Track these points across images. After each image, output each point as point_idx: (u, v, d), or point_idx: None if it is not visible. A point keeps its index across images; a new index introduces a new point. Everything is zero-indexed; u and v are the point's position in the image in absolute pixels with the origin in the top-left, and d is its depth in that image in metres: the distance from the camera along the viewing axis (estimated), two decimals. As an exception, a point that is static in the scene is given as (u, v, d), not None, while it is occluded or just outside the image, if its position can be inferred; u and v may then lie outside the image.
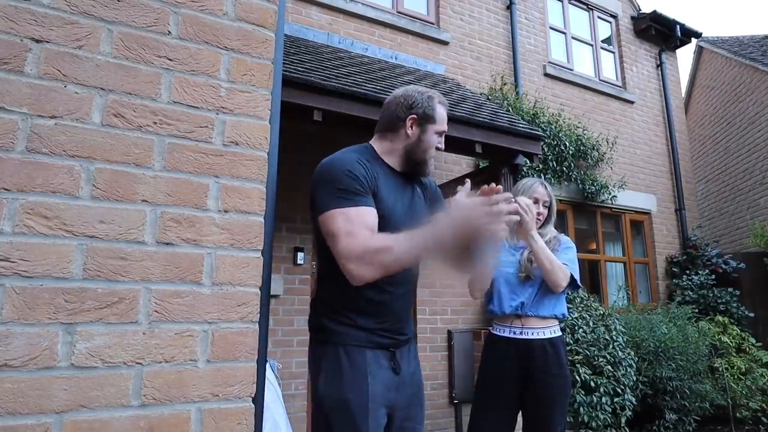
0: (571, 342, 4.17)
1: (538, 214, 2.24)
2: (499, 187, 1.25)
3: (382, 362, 1.43)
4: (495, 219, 1.12)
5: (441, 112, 1.57)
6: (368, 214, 1.35)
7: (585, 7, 7.05)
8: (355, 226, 1.30)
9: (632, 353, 4.41)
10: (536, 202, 2.25)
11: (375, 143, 1.57)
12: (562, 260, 2.15)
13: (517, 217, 1.28)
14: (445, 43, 5.45)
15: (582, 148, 5.83)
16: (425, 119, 1.53)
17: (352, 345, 1.39)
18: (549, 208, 2.29)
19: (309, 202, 1.47)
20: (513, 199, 1.20)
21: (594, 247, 6.34)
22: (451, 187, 4.54)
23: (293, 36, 4.40)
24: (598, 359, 4.12)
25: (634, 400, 4.17)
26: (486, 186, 1.28)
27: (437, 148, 1.57)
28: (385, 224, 1.38)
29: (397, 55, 5.01)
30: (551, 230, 2.30)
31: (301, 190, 4.15)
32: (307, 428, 3.88)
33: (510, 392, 2.12)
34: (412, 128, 1.52)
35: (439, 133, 1.57)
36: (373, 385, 1.37)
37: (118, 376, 0.94)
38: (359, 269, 1.25)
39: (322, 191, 1.38)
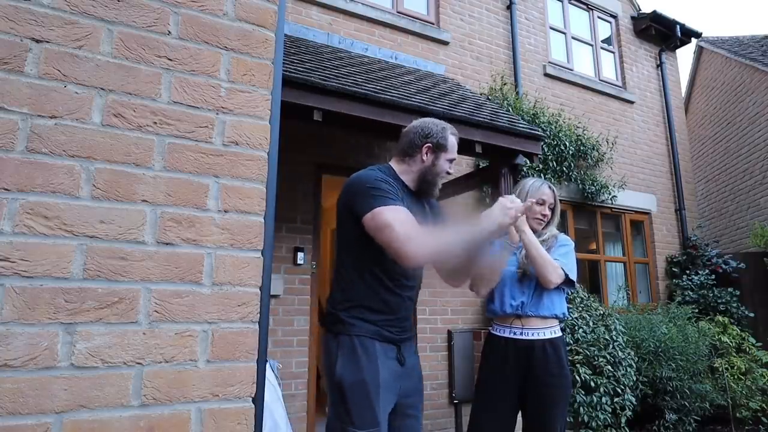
0: (571, 342, 4.17)
1: (543, 215, 2.26)
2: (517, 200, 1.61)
3: (390, 353, 1.63)
4: (514, 212, 1.51)
5: (453, 142, 1.80)
6: (408, 212, 1.55)
7: (585, 7, 7.05)
8: (404, 218, 1.51)
9: (632, 353, 4.41)
10: (542, 203, 2.26)
11: (394, 164, 1.79)
12: (556, 256, 2.16)
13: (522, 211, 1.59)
14: (445, 43, 5.45)
15: (582, 148, 5.83)
16: (438, 147, 1.75)
17: (364, 336, 1.59)
18: (552, 210, 2.30)
19: (341, 211, 1.67)
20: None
21: (594, 247, 6.34)
22: (451, 187, 4.54)
23: (293, 36, 4.40)
24: (598, 359, 4.12)
25: (634, 400, 4.17)
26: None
27: (447, 173, 1.80)
28: None
29: (397, 55, 5.01)
30: (552, 230, 2.31)
31: (301, 190, 4.15)
32: (307, 428, 3.88)
33: (510, 392, 2.12)
34: (426, 155, 1.75)
35: (450, 161, 1.80)
36: (383, 371, 1.57)
37: (118, 376, 0.94)
38: (417, 249, 1.46)
39: (360, 198, 1.58)
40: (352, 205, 1.60)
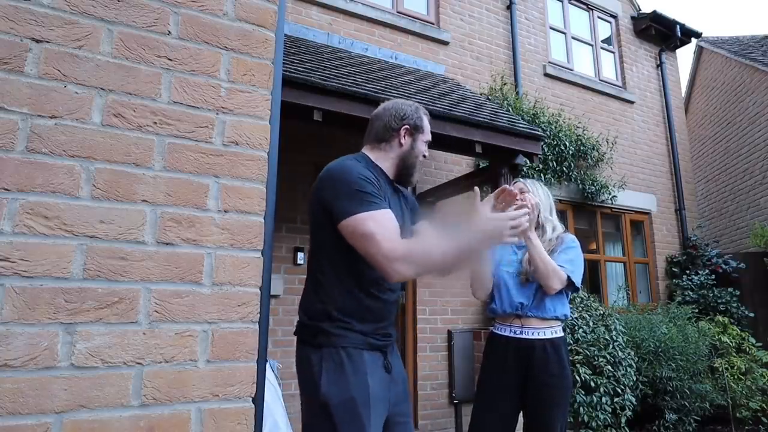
0: (571, 342, 4.16)
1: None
2: (526, 210, 1.39)
3: (377, 363, 1.50)
4: (514, 232, 1.30)
5: (427, 123, 1.70)
6: (393, 218, 1.43)
7: (585, 7, 7.05)
8: (388, 229, 1.38)
9: (632, 353, 4.41)
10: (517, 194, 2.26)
11: (368, 152, 1.65)
12: (560, 260, 2.14)
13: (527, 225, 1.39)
14: (445, 43, 5.45)
15: (582, 148, 5.83)
16: (416, 129, 1.65)
17: (351, 347, 1.45)
18: (546, 204, 2.27)
19: (315, 208, 1.51)
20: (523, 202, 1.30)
21: (594, 247, 6.34)
22: (451, 187, 4.54)
23: (293, 36, 4.40)
24: (598, 359, 4.12)
25: (634, 400, 4.17)
26: (505, 188, 1.38)
27: (424, 156, 1.68)
28: None
29: (397, 55, 5.01)
30: (558, 227, 2.27)
31: (301, 190, 4.14)
32: (307, 428, 3.87)
33: (510, 392, 2.12)
34: (405, 138, 1.63)
35: (426, 143, 1.69)
36: (372, 384, 1.43)
37: (118, 376, 0.94)
38: (403, 268, 1.33)
39: (339, 196, 1.42)
40: (329, 204, 1.44)
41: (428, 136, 1.69)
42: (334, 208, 1.42)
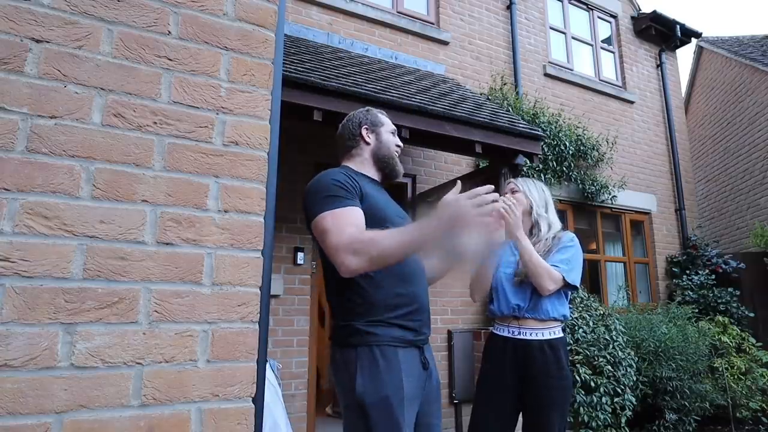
0: (571, 342, 4.16)
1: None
2: (489, 187, 1.33)
3: (414, 359, 1.52)
4: (480, 211, 1.24)
5: (384, 117, 1.82)
6: (354, 214, 1.47)
7: (585, 7, 7.05)
8: (343, 223, 1.42)
9: (632, 353, 4.41)
10: (504, 194, 2.27)
11: (346, 163, 1.76)
12: (555, 260, 2.11)
13: (500, 206, 1.37)
14: (445, 43, 5.45)
15: (582, 148, 5.83)
16: (374, 125, 1.78)
17: (385, 344, 1.46)
18: (531, 203, 2.25)
19: (307, 221, 1.60)
20: (498, 197, 1.29)
21: (594, 247, 6.34)
22: (451, 186, 4.54)
23: (293, 36, 4.40)
24: (598, 359, 4.12)
25: (634, 400, 4.17)
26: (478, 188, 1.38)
27: (398, 146, 1.79)
28: (380, 225, 1.48)
29: (397, 55, 5.01)
30: (555, 224, 2.25)
31: (301, 190, 4.14)
32: (307, 428, 3.88)
33: (509, 392, 2.11)
34: (368, 136, 1.76)
35: (392, 132, 1.80)
36: (407, 383, 1.45)
37: (118, 376, 0.94)
38: (347, 259, 1.35)
39: (312, 202, 1.53)
40: (306, 213, 1.55)
41: (391, 127, 1.81)
42: (308, 215, 1.53)
